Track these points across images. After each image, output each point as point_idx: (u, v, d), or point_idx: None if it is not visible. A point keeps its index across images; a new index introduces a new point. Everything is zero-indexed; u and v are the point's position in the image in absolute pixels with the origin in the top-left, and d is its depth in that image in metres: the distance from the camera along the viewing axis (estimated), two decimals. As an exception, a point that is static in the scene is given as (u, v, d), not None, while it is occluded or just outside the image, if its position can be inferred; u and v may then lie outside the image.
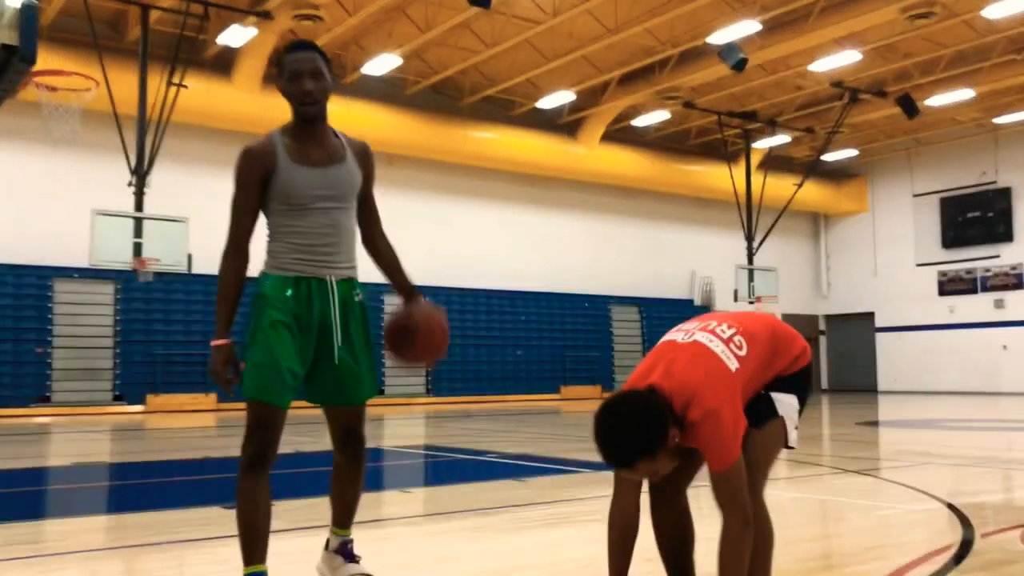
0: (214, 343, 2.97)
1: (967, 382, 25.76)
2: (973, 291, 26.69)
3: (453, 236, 22.73)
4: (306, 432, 12.57)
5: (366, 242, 3.28)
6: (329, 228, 3.04)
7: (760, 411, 2.72)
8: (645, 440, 2.51)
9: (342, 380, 3.08)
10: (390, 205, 21.17)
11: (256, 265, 3.10)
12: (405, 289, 3.25)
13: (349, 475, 3.24)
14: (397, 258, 3.31)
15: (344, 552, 3.27)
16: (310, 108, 3.01)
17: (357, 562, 3.27)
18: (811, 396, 2.84)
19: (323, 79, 3.02)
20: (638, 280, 25.86)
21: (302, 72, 2.98)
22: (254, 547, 2.94)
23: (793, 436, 2.75)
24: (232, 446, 10.32)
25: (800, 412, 2.79)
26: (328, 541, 3.32)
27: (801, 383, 2.81)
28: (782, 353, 2.78)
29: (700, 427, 2.56)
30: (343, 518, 3.27)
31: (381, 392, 21.00)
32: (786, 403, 2.74)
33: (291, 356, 2.93)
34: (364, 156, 3.20)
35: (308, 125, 3.05)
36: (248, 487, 2.95)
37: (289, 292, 2.98)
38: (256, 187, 3.01)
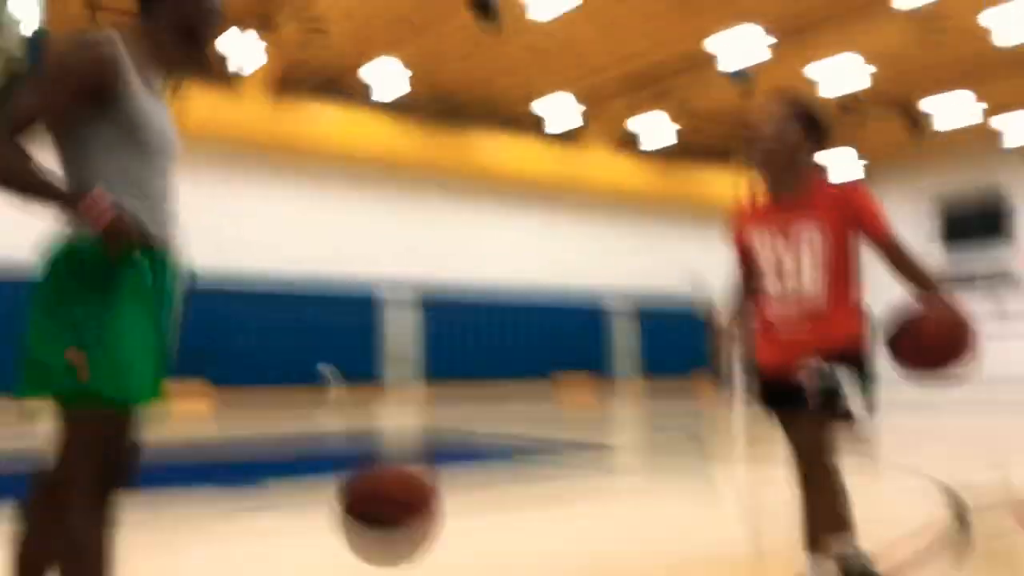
0: (93, 197, 2.02)
1: (966, 386, 25.69)
2: (973, 294, 26.66)
3: (455, 246, 22.79)
4: (298, 419, 12.63)
5: None
6: (166, 184, 2.34)
7: (827, 397, 2.85)
8: (805, 107, 2.89)
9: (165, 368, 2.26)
10: (391, 213, 21.26)
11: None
12: None
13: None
14: None
15: None
16: (213, 35, 2.28)
17: None
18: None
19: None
20: (636, 288, 25.84)
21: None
22: None
23: (862, 415, 2.88)
24: (226, 432, 10.30)
25: (868, 390, 2.92)
26: None
27: (858, 355, 2.94)
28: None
29: (860, 190, 2.86)
30: None
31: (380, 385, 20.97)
32: (849, 380, 2.85)
33: (151, 345, 2.16)
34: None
35: (174, 59, 2.26)
36: (96, 521, 2.07)
37: (146, 262, 2.17)
38: (82, 95, 2.07)
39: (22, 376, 2.09)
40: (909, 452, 7.62)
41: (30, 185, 2.02)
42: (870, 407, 2.90)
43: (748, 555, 3.79)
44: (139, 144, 2.18)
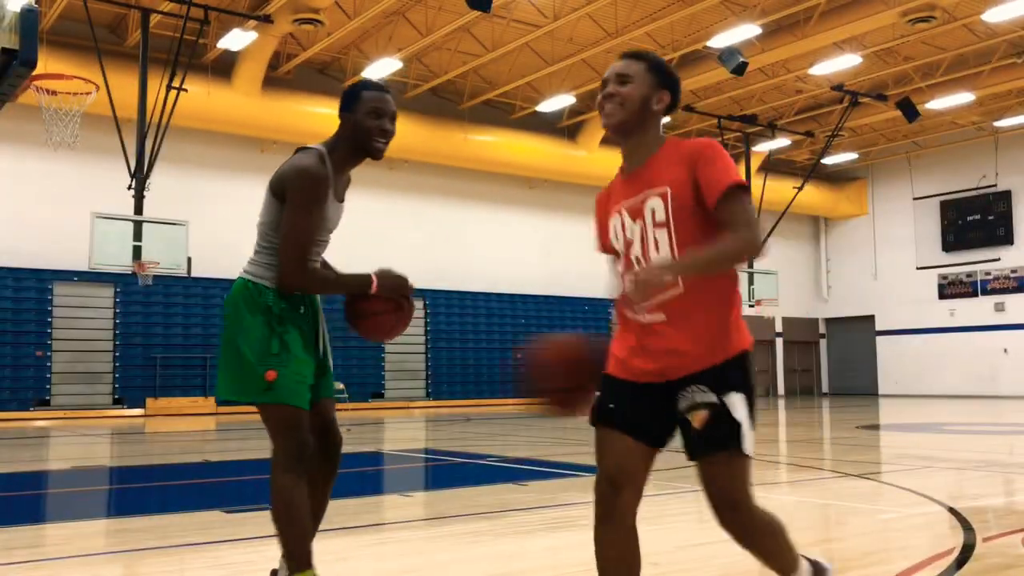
0: (375, 272, 3.07)
1: (967, 385, 25.74)
2: (973, 294, 26.68)
3: (453, 239, 22.73)
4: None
5: None
6: (318, 257, 3.16)
7: (722, 428, 2.37)
8: (659, 62, 2.56)
9: (327, 377, 3.22)
10: (390, 208, 21.18)
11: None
12: None
13: (328, 476, 3.20)
14: None
15: None
16: (382, 147, 3.08)
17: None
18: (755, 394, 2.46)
19: (394, 125, 3.14)
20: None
21: (384, 112, 3.06)
22: (307, 546, 2.95)
23: (749, 441, 2.39)
24: (231, 449, 10.36)
25: (751, 409, 2.41)
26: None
27: (746, 373, 2.44)
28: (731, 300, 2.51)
29: (706, 147, 2.43)
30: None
31: (381, 395, 21.03)
32: (739, 405, 2.38)
33: (309, 364, 3.06)
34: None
35: (359, 161, 3.13)
36: (299, 488, 2.95)
37: (302, 310, 3.10)
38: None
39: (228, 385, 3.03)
40: (916, 476, 7.54)
41: (337, 286, 3.09)
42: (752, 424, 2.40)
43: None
44: (318, 233, 3.06)
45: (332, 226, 3.13)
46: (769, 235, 23.75)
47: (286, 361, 2.96)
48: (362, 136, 3.05)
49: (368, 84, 3.12)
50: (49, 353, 17.66)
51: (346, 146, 3.08)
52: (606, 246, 2.67)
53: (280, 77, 19.70)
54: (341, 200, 3.17)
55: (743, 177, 2.47)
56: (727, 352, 2.43)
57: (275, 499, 2.94)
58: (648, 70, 2.52)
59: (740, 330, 2.48)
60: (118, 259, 14.73)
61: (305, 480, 2.98)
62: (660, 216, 2.42)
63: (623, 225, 2.53)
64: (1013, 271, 25.91)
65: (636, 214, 2.48)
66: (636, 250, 2.49)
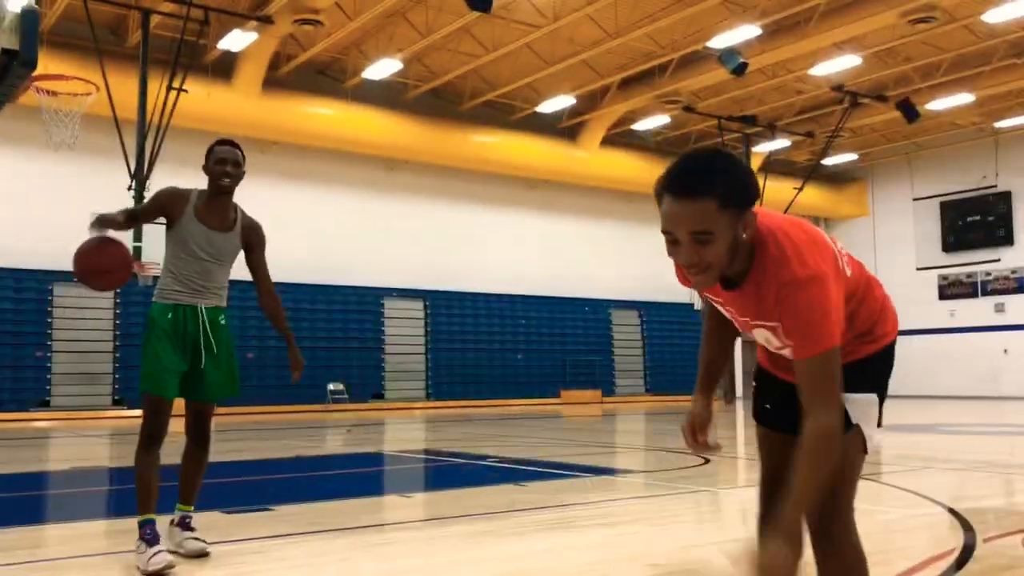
0: None
1: (968, 386, 25.73)
2: (974, 295, 26.68)
3: (454, 240, 22.73)
4: (304, 436, 12.56)
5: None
6: (204, 271, 4.08)
7: None
8: (730, 183, 1.95)
9: (204, 385, 4.09)
10: (391, 210, 21.12)
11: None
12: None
13: (196, 457, 4.24)
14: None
15: (183, 524, 4.17)
16: (227, 183, 4.09)
17: (193, 530, 4.14)
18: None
19: (240, 168, 4.13)
20: (638, 284, 25.86)
21: (227, 160, 4.09)
22: (147, 502, 3.93)
23: (875, 439, 2.21)
24: (230, 451, 10.38)
25: (881, 405, 2.27)
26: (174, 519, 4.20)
27: (881, 370, 2.32)
28: (866, 315, 2.31)
29: (797, 291, 1.99)
30: (188, 496, 4.24)
31: (381, 396, 21.01)
32: (862, 405, 2.20)
33: (173, 361, 3.96)
34: (252, 232, 4.25)
35: (219, 197, 4.13)
36: (145, 460, 3.96)
37: (169, 315, 4.02)
38: (156, 212, 4.16)
39: None
40: (917, 477, 7.54)
41: None
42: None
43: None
44: (184, 250, 4.07)
45: (202, 248, 4.03)
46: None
47: (148, 357, 3.94)
48: (212, 177, 4.10)
49: (219, 141, 4.18)
50: (49, 354, 17.66)
51: (208, 187, 4.14)
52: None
53: (280, 78, 19.70)
54: (214, 229, 4.07)
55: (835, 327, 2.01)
56: (857, 353, 2.26)
57: (135, 467, 4.00)
58: (723, 207, 1.95)
59: (874, 334, 2.32)
60: (118, 260, 14.73)
61: (155, 456, 3.98)
62: (774, 344, 2.21)
63: (732, 317, 2.31)
64: (1013, 271, 25.91)
65: (744, 326, 2.26)
66: (756, 339, 2.28)
